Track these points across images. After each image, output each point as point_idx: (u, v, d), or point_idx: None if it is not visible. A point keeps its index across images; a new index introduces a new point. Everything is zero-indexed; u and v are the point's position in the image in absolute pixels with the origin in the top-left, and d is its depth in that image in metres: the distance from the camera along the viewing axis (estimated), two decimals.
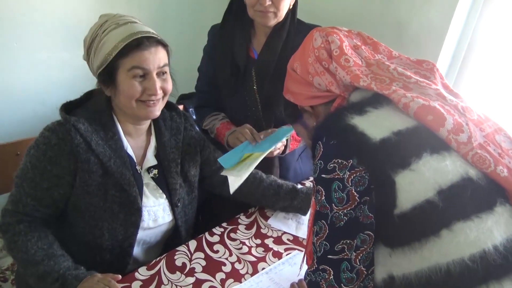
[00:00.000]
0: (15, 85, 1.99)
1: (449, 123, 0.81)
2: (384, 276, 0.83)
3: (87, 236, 1.23)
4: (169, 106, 1.39)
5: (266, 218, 1.50)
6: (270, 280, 1.20)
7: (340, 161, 0.81)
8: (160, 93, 1.20)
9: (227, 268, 1.24)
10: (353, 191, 0.81)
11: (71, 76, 2.12)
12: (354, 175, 0.80)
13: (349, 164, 0.80)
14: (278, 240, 1.40)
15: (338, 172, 0.81)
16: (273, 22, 1.47)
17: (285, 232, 1.44)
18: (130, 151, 1.27)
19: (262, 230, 1.44)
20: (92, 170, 1.17)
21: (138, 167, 1.29)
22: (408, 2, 2.20)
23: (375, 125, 0.82)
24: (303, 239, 1.41)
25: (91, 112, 1.23)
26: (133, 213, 1.24)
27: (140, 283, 1.13)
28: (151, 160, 1.32)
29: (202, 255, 1.28)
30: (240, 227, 1.44)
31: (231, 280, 1.19)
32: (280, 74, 1.51)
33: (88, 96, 1.30)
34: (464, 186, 0.77)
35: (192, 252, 1.28)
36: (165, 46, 1.21)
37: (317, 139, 0.86)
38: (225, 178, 1.41)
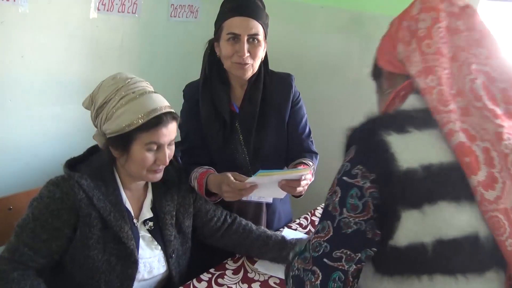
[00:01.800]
0: (9, 139, 2.05)
1: (482, 174, 0.75)
2: (431, 247, 0.78)
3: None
4: None
5: (253, 262, 1.53)
6: None
7: (364, 170, 0.80)
8: (168, 161, 1.31)
9: None
10: (370, 203, 0.79)
11: (64, 129, 2.19)
12: (373, 189, 0.79)
13: (371, 178, 0.80)
14: (264, 284, 1.43)
15: (360, 179, 0.80)
16: (249, 74, 1.51)
17: (271, 276, 1.47)
18: (128, 205, 1.34)
19: (249, 275, 1.47)
20: (93, 224, 1.24)
21: (135, 220, 1.35)
22: None
23: (409, 150, 0.79)
24: None
25: (94, 168, 1.31)
26: (130, 266, 1.29)
27: None
28: (147, 213, 1.39)
29: None
30: (227, 272, 1.47)
31: None
32: (263, 125, 1.59)
33: (91, 151, 1.38)
34: (466, 243, 0.76)
35: None
36: (176, 118, 1.32)
37: (351, 142, 0.86)
38: (216, 229, 1.50)
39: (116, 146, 1.27)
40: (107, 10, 2.18)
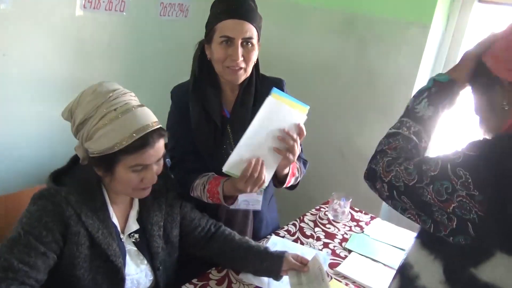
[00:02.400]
0: None
1: None
2: None
3: None
4: None
5: (238, 272, 1.48)
6: None
7: (470, 181, 0.79)
8: (156, 180, 1.25)
9: None
10: (453, 201, 0.81)
11: (47, 129, 2.14)
12: (465, 201, 0.80)
13: (473, 193, 0.79)
14: None
15: (459, 182, 0.80)
16: (242, 79, 1.46)
17: (256, 286, 1.42)
18: (115, 219, 1.29)
19: (233, 285, 1.42)
20: (81, 242, 1.18)
21: (122, 236, 1.29)
22: (378, 53, 2.30)
23: None
24: None
25: (80, 182, 1.23)
26: (117, 283, 1.24)
27: None
28: (133, 225, 1.33)
29: None
30: (211, 282, 1.42)
31: None
32: None
33: (74, 160, 1.30)
34: None
35: None
36: (163, 134, 1.24)
37: (483, 156, 0.81)
38: (199, 238, 1.46)
39: (99, 166, 1.20)
40: (94, 8, 2.13)
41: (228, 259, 1.48)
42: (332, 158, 2.68)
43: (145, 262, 1.33)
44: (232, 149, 1.34)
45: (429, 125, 1.01)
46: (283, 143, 1.32)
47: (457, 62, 1.05)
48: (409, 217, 0.92)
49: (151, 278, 1.34)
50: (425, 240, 0.94)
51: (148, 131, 1.17)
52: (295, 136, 1.33)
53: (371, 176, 0.98)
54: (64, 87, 2.12)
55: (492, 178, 0.78)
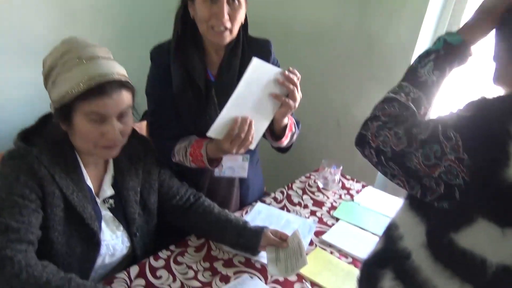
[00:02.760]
0: None
1: None
2: (493, 269, 0.76)
3: None
4: None
5: None
6: None
7: (460, 143, 0.73)
8: (119, 138, 1.16)
9: None
10: (440, 165, 0.76)
11: (32, 94, 2.06)
12: (453, 165, 0.74)
13: (462, 157, 0.73)
14: (228, 263, 1.33)
15: (449, 145, 0.75)
16: (228, 40, 1.35)
17: (236, 254, 1.37)
18: (89, 182, 1.22)
19: (212, 252, 1.37)
20: (56, 204, 1.12)
21: (97, 199, 1.24)
22: (379, 18, 2.18)
23: None
24: (256, 260, 1.35)
25: (50, 141, 1.16)
26: (92, 248, 1.19)
27: None
28: (108, 190, 1.27)
29: (143, 281, 1.21)
30: (189, 249, 1.37)
31: None
32: None
33: (44, 120, 1.22)
34: None
35: (133, 279, 1.21)
36: (130, 88, 1.16)
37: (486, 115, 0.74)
38: (177, 208, 1.41)
39: (60, 117, 1.13)
40: None
41: (205, 231, 1.42)
42: (327, 127, 2.60)
43: (121, 228, 1.27)
44: (217, 115, 1.26)
45: (432, 92, 0.93)
46: (277, 97, 1.27)
47: (471, 17, 0.94)
48: (397, 183, 0.87)
49: (128, 244, 1.29)
50: (412, 202, 0.90)
51: (108, 79, 1.09)
52: (295, 79, 1.27)
53: (361, 142, 0.92)
54: (45, 50, 2.04)
55: (483, 139, 0.72)
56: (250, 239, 1.34)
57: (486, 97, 0.78)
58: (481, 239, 0.75)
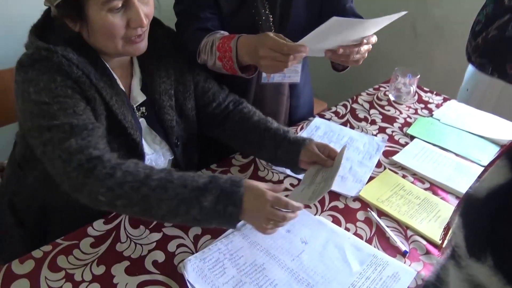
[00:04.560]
0: None
1: None
2: None
3: None
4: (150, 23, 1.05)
5: None
6: (243, 238, 0.94)
7: None
8: (146, 22, 0.94)
9: None
10: None
11: None
12: None
13: None
14: None
15: None
16: None
17: (288, 175, 1.16)
18: (122, 87, 1.03)
19: (260, 173, 1.17)
20: (99, 112, 0.94)
21: (133, 105, 1.05)
22: None
23: None
24: None
25: (68, 39, 0.94)
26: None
27: (90, 240, 0.92)
28: (138, 96, 1.07)
29: None
30: (232, 169, 1.18)
31: (207, 237, 0.95)
32: None
33: (49, 15, 0.98)
34: None
35: None
36: None
37: None
38: (213, 116, 1.18)
39: (68, 15, 0.90)
40: None
41: (241, 142, 1.16)
42: (401, 33, 2.24)
43: (158, 140, 1.09)
44: (264, 8, 0.99)
45: None
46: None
47: None
48: None
49: (171, 157, 1.12)
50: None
51: None
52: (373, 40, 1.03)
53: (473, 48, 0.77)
54: None
55: None
56: (289, 151, 1.05)
57: None
58: None
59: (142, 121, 1.08)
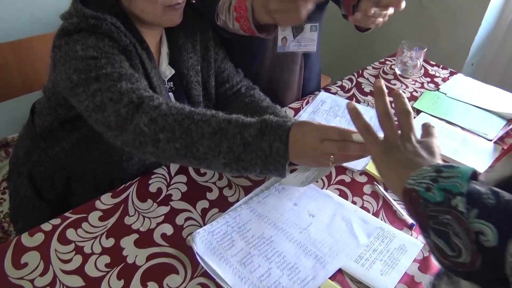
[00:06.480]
0: None
1: None
2: None
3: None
4: None
5: None
6: (251, 212, 0.95)
7: None
8: None
9: (213, 195, 0.99)
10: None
11: None
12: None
13: None
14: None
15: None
16: None
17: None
18: (156, 60, 1.03)
19: None
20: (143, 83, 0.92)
21: (165, 80, 1.06)
22: None
23: None
24: None
25: (106, 9, 0.93)
26: None
27: (98, 214, 0.92)
28: (167, 71, 1.07)
29: (184, 178, 1.03)
30: None
31: (214, 210, 0.95)
32: None
33: None
34: None
35: (172, 175, 1.04)
36: None
37: None
38: (224, 97, 1.19)
39: None
40: None
41: None
42: (406, 6, 2.20)
43: None
44: None
45: None
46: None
47: None
48: None
49: None
50: None
51: None
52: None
53: None
54: None
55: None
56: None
57: None
58: None
59: (171, 95, 1.09)
